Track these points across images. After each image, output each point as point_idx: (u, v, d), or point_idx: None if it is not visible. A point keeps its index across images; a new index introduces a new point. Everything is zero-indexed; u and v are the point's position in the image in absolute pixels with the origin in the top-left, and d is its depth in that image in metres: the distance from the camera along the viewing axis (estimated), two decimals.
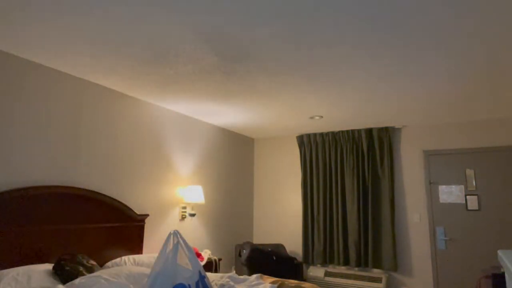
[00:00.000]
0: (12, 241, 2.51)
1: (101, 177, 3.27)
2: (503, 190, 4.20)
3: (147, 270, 2.71)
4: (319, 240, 4.96)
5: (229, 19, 2.12)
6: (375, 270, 4.68)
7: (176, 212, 4.15)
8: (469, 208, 4.33)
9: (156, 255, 3.33)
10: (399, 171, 4.78)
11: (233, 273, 2.97)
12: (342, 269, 4.81)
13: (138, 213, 3.58)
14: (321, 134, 5.22)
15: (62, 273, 2.43)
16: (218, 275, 3.00)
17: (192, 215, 4.24)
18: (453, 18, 2.08)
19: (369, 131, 4.90)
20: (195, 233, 4.41)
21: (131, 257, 3.12)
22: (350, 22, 2.13)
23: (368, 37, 2.33)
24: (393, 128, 4.84)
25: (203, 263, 3.84)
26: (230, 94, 3.57)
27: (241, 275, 3.15)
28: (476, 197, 4.31)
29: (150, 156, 3.84)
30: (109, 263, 3.00)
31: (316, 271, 4.82)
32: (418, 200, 4.62)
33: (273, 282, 2.80)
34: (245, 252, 4.45)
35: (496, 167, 4.27)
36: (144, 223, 3.60)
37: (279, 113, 4.28)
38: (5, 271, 2.26)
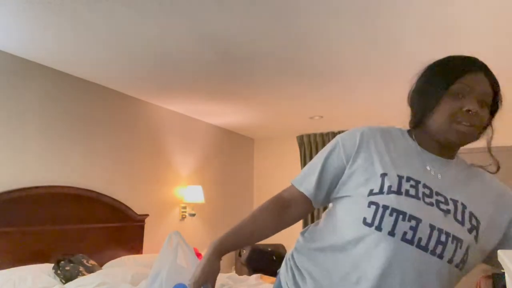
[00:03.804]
0: (12, 241, 2.51)
1: (101, 177, 3.27)
2: None
3: (147, 270, 2.71)
4: None
5: (229, 20, 2.12)
6: None
7: (176, 212, 4.15)
8: None
9: (156, 255, 3.33)
10: None
11: (233, 273, 2.97)
12: None
13: (138, 213, 3.57)
14: (321, 134, 5.22)
15: (62, 273, 2.43)
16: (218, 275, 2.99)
17: (192, 215, 4.24)
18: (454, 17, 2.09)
19: None
20: (195, 233, 4.40)
21: (131, 257, 3.12)
22: (350, 22, 2.14)
23: (369, 38, 2.33)
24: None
25: None
26: (230, 94, 3.57)
27: (241, 275, 3.15)
28: None
29: (150, 156, 3.83)
30: (109, 263, 3.00)
31: None
32: None
33: (273, 282, 2.80)
34: (245, 252, 4.45)
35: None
36: (144, 223, 3.60)
37: (279, 113, 4.28)
38: (5, 271, 2.26)
